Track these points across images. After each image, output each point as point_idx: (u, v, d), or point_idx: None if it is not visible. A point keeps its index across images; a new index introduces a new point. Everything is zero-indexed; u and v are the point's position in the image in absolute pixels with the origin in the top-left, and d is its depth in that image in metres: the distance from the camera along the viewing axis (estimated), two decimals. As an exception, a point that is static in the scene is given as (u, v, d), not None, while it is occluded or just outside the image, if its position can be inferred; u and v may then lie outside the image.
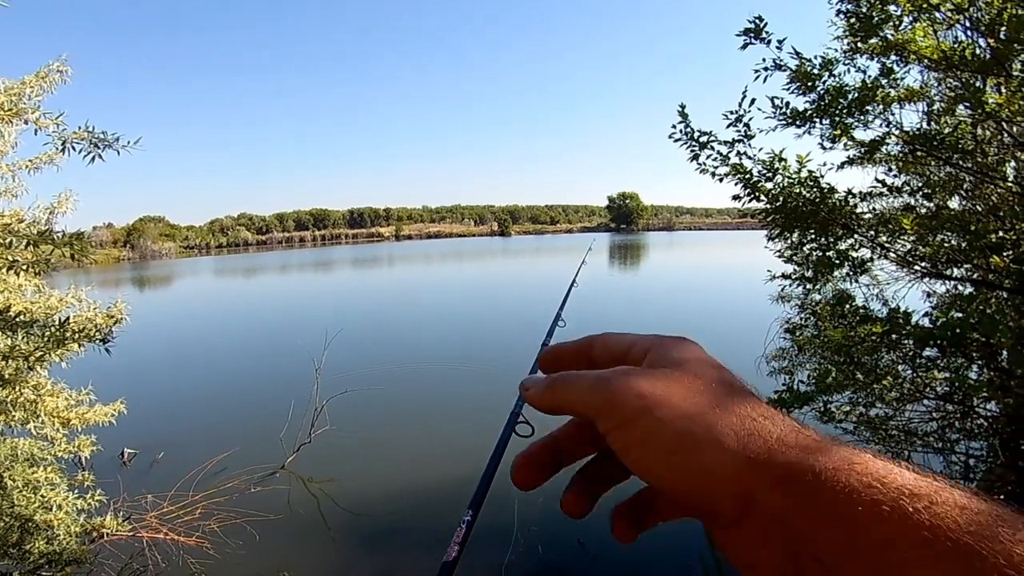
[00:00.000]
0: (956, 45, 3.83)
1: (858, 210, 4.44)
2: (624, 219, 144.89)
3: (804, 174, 4.24)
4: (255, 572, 6.01)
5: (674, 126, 4.46)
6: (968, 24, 3.95)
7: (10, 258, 3.22)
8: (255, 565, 6.13)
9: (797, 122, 4.23)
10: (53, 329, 3.48)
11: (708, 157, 4.43)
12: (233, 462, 8.49)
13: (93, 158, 3.10)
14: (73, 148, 3.08)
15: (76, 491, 4.85)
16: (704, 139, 4.39)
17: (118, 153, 3.15)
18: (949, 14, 3.88)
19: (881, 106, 4.16)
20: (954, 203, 4.91)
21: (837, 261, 4.35)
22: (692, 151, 4.44)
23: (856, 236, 4.38)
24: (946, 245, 4.35)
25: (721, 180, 4.43)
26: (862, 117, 4.15)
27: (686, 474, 0.39)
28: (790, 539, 0.35)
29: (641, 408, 0.41)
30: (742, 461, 0.38)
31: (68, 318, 3.69)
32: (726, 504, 0.38)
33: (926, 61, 4.01)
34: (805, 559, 0.35)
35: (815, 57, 4.17)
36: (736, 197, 4.50)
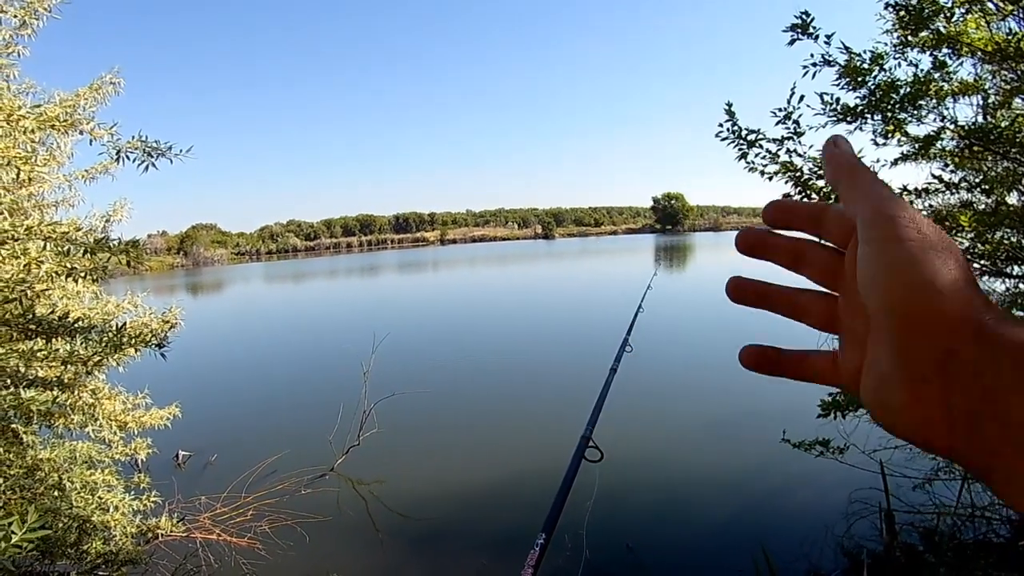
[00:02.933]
0: (1010, 36, 3.73)
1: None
2: (669, 220, 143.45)
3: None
4: (305, 573, 6.08)
5: (721, 125, 4.41)
6: (1022, 15, 3.85)
7: (68, 265, 3.31)
8: (305, 566, 6.20)
9: (848, 118, 4.16)
10: (111, 334, 3.56)
11: (756, 156, 4.37)
12: (284, 464, 8.60)
13: (147, 167, 3.16)
14: (127, 157, 3.15)
15: (132, 493, 4.96)
16: (752, 137, 4.34)
17: (171, 162, 3.22)
18: (1001, 4, 3.78)
19: (934, 100, 4.06)
20: (1013, 198, 4.77)
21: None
22: (740, 150, 4.39)
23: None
24: (1006, 242, 4.23)
25: (770, 179, 4.36)
26: (915, 112, 4.06)
27: (919, 304, 0.38)
28: (975, 394, 0.36)
29: (905, 232, 0.40)
30: (958, 309, 0.38)
31: (125, 324, 3.77)
32: (940, 340, 0.37)
33: (979, 53, 3.91)
34: (984, 417, 0.35)
35: (864, 52, 4.09)
36: (787, 196, 4.44)
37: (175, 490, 7.28)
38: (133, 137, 3.13)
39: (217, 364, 17.55)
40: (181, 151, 3.25)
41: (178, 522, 5.48)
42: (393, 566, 6.37)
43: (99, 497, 4.58)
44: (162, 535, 5.38)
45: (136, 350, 3.77)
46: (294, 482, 8.12)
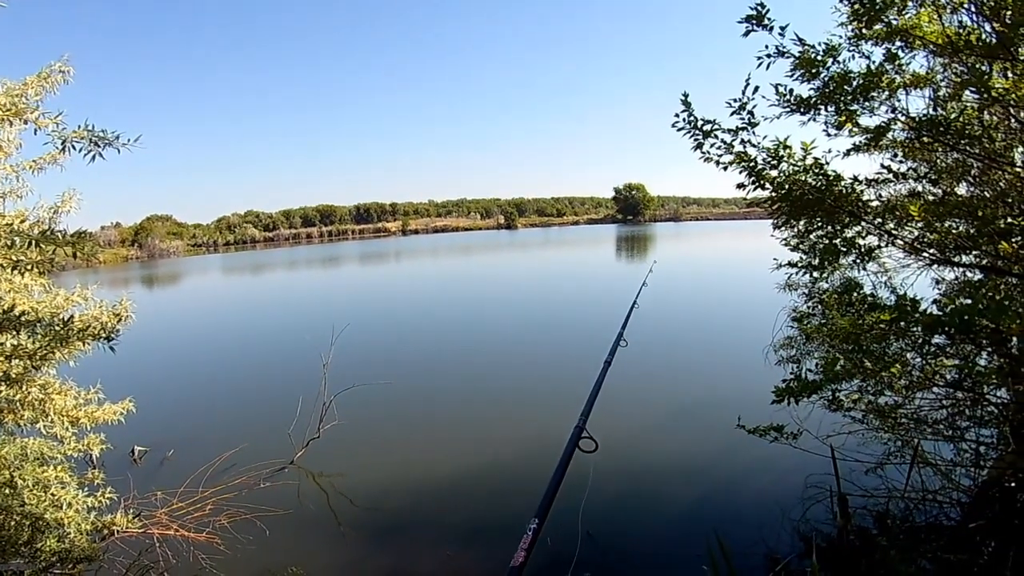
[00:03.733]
0: (961, 30, 3.79)
1: (864, 197, 4.42)
2: (631, 210, 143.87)
3: (809, 161, 4.22)
4: (265, 567, 6.02)
5: (677, 115, 4.44)
6: (973, 8, 3.92)
7: (14, 258, 3.23)
8: (265, 560, 6.15)
9: (801, 109, 4.21)
10: (58, 328, 3.49)
11: (712, 146, 4.41)
12: (242, 458, 8.53)
13: (93, 157, 3.09)
14: (73, 147, 3.08)
15: (86, 489, 4.88)
16: (708, 128, 4.37)
17: (118, 151, 3.15)
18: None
19: (886, 92, 4.13)
20: (961, 189, 4.87)
21: (844, 248, 4.33)
22: (696, 140, 4.43)
23: (863, 223, 4.35)
24: (954, 231, 4.32)
25: (725, 168, 4.41)
26: (867, 103, 4.12)
27: None
28: None
29: None
30: None
31: (72, 316, 3.69)
32: None
33: (931, 46, 3.98)
34: None
35: (819, 44, 4.15)
36: (741, 186, 4.48)
37: (131, 486, 7.18)
38: (79, 126, 3.06)
39: (173, 358, 17.29)
40: (129, 140, 3.18)
41: (134, 518, 5.42)
42: (356, 558, 6.34)
43: (52, 494, 4.50)
44: (118, 532, 5.32)
45: (84, 344, 3.71)
46: (253, 476, 8.06)
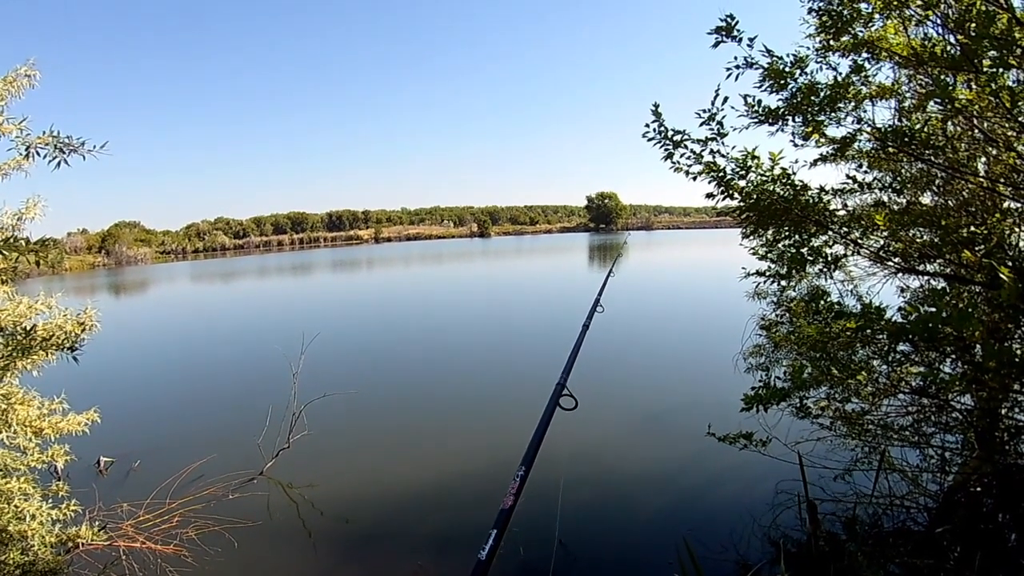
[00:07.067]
0: (926, 42, 3.86)
1: (831, 207, 4.47)
2: (603, 219, 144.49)
3: (777, 171, 4.27)
4: (234, 579, 5.96)
5: (648, 125, 4.47)
6: (938, 20, 3.99)
7: (-24, 266, 3.17)
8: (233, 572, 6.08)
9: (769, 120, 4.26)
10: (20, 337, 3.43)
11: (681, 156, 4.44)
12: (211, 469, 8.42)
13: (59, 163, 3.04)
14: (38, 153, 3.03)
15: (50, 501, 4.79)
16: (678, 138, 4.41)
17: (83, 158, 3.10)
18: (918, 10, 3.92)
19: (853, 103, 4.19)
20: (926, 199, 4.96)
21: (811, 257, 4.38)
22: (666, 150, 4.46)
23: (830, 232, 4.40)
24: (918, 241, 4.39)
25: (695, 178, 4.44)
26: (834, 114, 4.18)
27: None
28: None
29: None
30: None
31: (34, 326, 3.63)
32: None
33: (897, 58, 4.05)
34: None
35: (787, 55, 4.20)
36: (710, 195, 4.52)
37: (96, 498, 7.06)
38: (44, 132, 3.01)
39: (140, 367, 17.04)
40: (95, 147, 3.13)
41: (99, 530, 5.32)
42: (326, 569, 6.28)
43: (15, 506, 4.42)
44: (83, 544, 5.23)
45: (48, 353, 3.64)
46: (221, 487, 7.95)
